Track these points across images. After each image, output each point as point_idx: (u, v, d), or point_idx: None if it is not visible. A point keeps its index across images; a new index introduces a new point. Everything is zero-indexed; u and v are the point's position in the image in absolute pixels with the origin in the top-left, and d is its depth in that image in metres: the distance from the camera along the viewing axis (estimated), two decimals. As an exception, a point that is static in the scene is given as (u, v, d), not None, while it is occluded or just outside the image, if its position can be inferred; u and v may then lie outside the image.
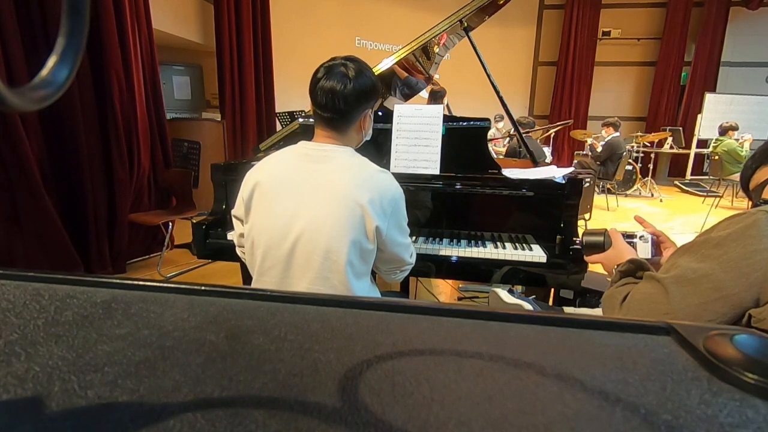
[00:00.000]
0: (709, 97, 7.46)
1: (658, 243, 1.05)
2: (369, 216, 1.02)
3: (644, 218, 1.08)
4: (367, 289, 1.15)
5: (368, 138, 1.22)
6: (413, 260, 1.23)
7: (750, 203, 0.91)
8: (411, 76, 2.42)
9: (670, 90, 8.02)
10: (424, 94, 3.62)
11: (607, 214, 5.44)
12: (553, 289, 1.84)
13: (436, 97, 3.73)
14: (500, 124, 6.70)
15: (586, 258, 1.10)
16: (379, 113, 1.68)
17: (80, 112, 2.82)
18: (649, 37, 8.02)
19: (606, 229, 1.08)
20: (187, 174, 3.39)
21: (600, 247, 1.06)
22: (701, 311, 0.68)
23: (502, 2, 1.94)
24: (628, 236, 1.05)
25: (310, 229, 1.03)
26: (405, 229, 1.15)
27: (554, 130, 6.15)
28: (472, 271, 1.50)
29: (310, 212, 1.03)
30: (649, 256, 1.02)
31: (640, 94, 8.34)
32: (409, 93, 2.61)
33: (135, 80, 3.15)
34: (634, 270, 0.88)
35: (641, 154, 7.13)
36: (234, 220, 1.21)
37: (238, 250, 1.25)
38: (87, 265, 2.96)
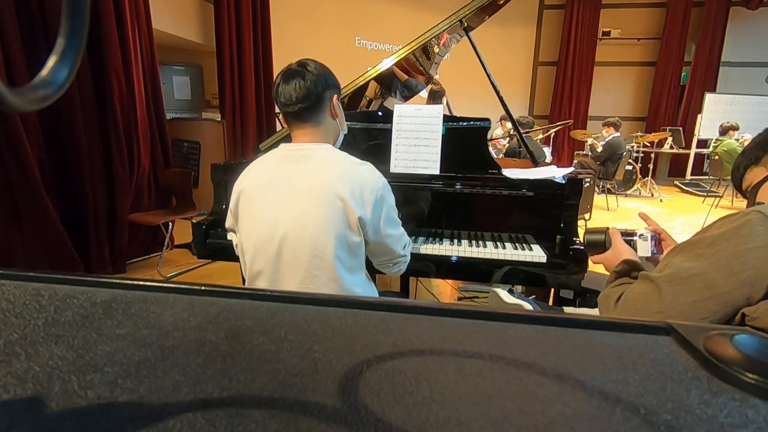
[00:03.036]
0: (709, 97, 7.45)
1: (659, 240, 1.05)
2: (350, 208, 1.02)
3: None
4: (363, 284, 1.15)
5: (345, 131, 1.21)
6: (407, 252, 1.22)
7: (748, 203, 0.91)
8: (411, 78, 2.42)
9: (670, 90, 8.02)
10: (424, 93, 3.61)
11: (607, 214, 5.44)
12: (553, 289, 1.84)
13: (435, 96, 3.73)
14: (509, 125, 6.69)
15: (590, 258, 1.10)
16: (379, 113, 1.68)
17: (80, 112, 2.82)
18: (649, 37, 8.01)
19: (608, 228, 1.07)
20: (187, 174, 3.39)
21: (601, 245, 1.06)
22: (693, 310, 0.68)
23: (502, 2, 1.93)
24: (628, 234, 1.05)
25: (294, 229, 1.03)
26: (394, 219, 1.14)
27: (554, 130, 6.14)
28: (472, 271, 1.50)
29: (293, 212, 1.04)
30: (649, 254, 1.02)
31: (640, 94, 8.34)
32: (408, 95, 2.62)
33: (135, 80, 3.14)
34: (629, 270, 0.89)
35: (641, 154, 7.13)
36: (230, 233, 1.22)
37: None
38: (87, 265, 2.96)
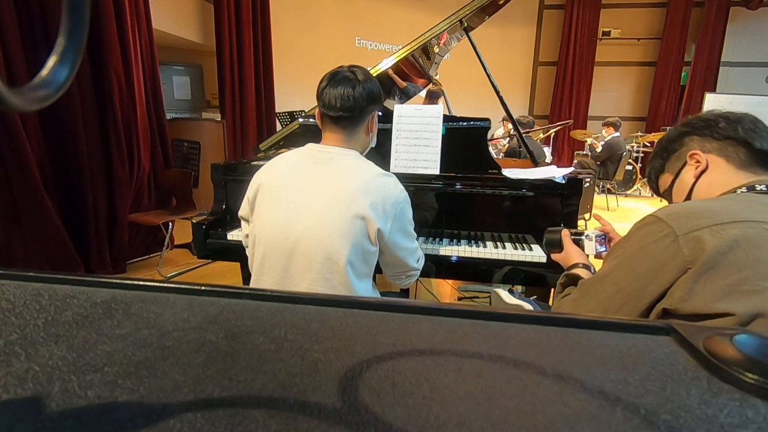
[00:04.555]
0: (709, 97, 7.45)
1: (609, 239, 1.14)
2: (371, 219, 1.02)
3: (602, 216, 1.20)
4: (369, 292, 1.15)
5: (373, 144, 1.22)
6: (420, 265, 1.22)
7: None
8: (410, 84, 2.44)
9: (670, 90, 8.01)
10: (422, 93, 3.62)
11: (607, 214, 5.43)
12: (553, 289, 1.84)
13: (432, 96, 3.74)
14: (511, 125, 6.68)
15: (552, 257, 1.18)
16: (379, 113, 1.68)
17: (80, 112, 2.82)
18: (649, 37, 8.01)
19: (562, 228, 1.17)
20: (187, 174, 3.39)
21: (558, 244, 1.15)
22: (607, 305, 0.78)
23: (502, 2, 1.94)
24: (576, 234, 1.15)
25: (310, 230, 1.03)
26: (410, 233, 1.14)
27: (554, 130, 6.14)
28: (472, 271, 1.50)
29: (311, 213, 1.03)
30: (595, 253, 1.13)
31: (640, 94, 8.33)
32: (406, 99, 2.64)
33: (135, 80, 3.14)
34: (568, 283, 1.00)
35: (641, 154, 7.13)
36: (241, 221, 1.22)
37: (247, 251, 1.25)
38: (87, 265, 2.96)
